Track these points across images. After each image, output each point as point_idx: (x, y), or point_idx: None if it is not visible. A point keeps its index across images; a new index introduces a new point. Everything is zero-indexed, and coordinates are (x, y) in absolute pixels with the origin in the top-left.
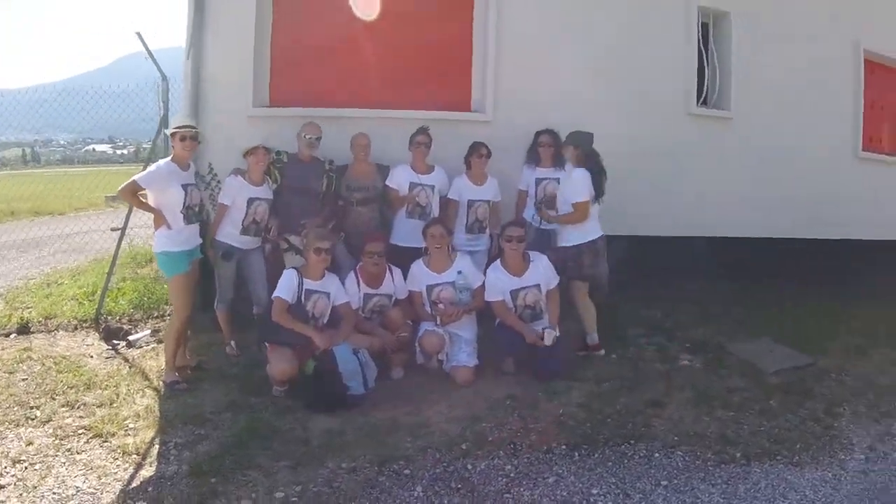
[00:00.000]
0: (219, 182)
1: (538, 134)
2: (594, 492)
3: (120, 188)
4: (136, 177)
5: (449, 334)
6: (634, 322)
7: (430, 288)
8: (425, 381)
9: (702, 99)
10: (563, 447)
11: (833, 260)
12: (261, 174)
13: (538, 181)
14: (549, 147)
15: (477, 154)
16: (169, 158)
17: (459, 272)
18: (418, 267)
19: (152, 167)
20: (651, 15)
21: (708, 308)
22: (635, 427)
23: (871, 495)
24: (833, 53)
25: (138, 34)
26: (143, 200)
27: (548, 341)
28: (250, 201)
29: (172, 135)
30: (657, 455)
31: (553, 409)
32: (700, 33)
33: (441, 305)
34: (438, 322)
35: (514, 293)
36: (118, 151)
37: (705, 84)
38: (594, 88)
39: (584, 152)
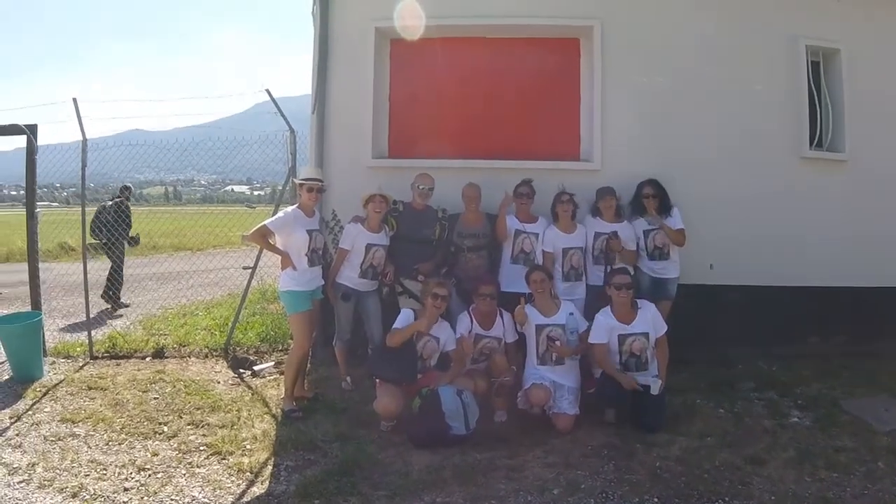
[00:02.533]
0: (341, 228)
1: (642, 185)
2: None
3: (250, 232)
4: (265, 222)
5: (552, 382)
6: (747, 376)
7: (539, 328)
8: (526, 427)
9: (815, 142)
10: (656, 500)
11: None
12: (378, 222)
13: (646, 233)
14: (653, 198)
15: (560, 202)
16: (296, 206)
17: (571, 314)
18: (528, 308)
19: (281, 213)
20: (757, 57)
21: (827, 363)
22: (731, 484)
23: None
24: None
25: (267, 91)
26: (272, 243)
27: (654, 391)
28: (368, 247)
29: (300, 185)
30: None
31: (650, 460)
32: (810, 72)
33: (558, 342)
34: (553, 358)
35: (622, 339)
36: (255, 192)
37: (818, 125)
38: (701, 133)
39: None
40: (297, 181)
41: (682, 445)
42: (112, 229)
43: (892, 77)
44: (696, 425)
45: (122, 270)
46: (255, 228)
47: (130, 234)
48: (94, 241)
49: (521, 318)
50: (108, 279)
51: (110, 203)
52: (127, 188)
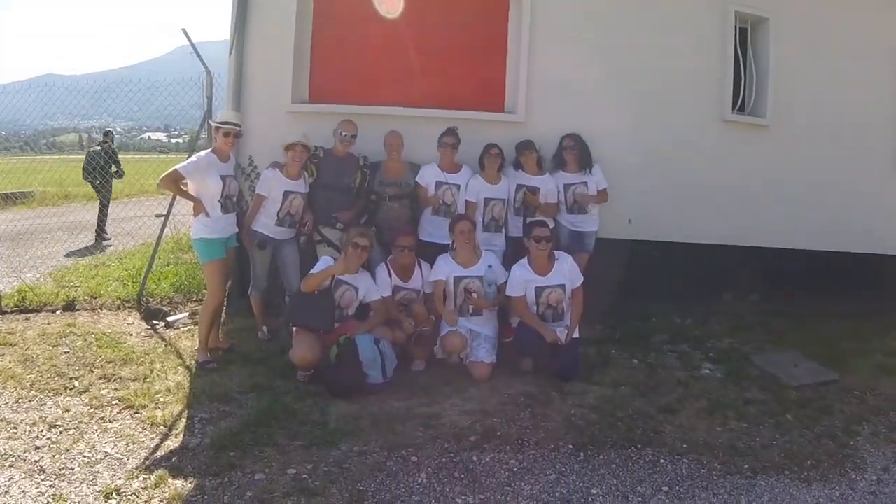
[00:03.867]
0: (258, 174)
1: (563, 138)
2: (594, 492)
3: (162, 176)
4: (177, 166)
5: (469, 331)
6: (662, 329)
7: (457, 280)
8: (444, 375)
9: (738, 106)
10: (570, 447)
11: (877, 275)
12: (298, 169)
13: (566, 187)
14: (573, 151)
15: (488, 154)
16: (210, 150)
17: (490, 266)
18: (445, 260)
19: (193, 158)
20: (686, 20)
21: (740, 319)
22: (644, 432)
23: None
24: (874, 58)
25: (184, 30)
26: (185, 189)
27: (563, 339)
28: (286, 194)
29: (216, 129)
30: (662, 461)
31: (565, 408)
32: (738, 39)
33: (474, 294)
34: (470, 310)
35: (538, 291)
36: (173, 140)
37: (742, 90)
38: (627, 92)
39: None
40: (212, 124)
41: (597, 394)
42: (103, 172)
43: (817, 47)
44: (610, 375)
45: (108, 207)
46: (166, 173)
47: (114, 169)
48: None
49: (453, 347)
50: (100, 215)
51: (98, 148)
52: (108, 133)
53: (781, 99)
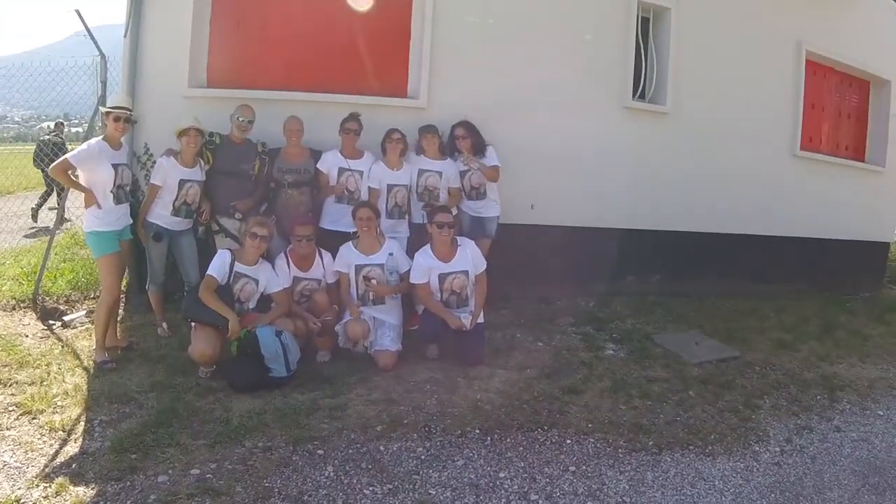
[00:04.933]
0: (154, 162)
1: (453, 128)
2: (501, 475)
3: (51, 166)
4: (67, 155)
5: (373, 319)
6: (566, 312)
7: (358, 268)
8: (349, 366)
9: (638, 93)
10: (477, 431)
11: (770, 256)
12: (193, 156)
13: (462, 174)
14: (465, 139)
15: (389, 139)
16: (101, 137)
17: (391, 254)
18: (347, 249)
19: (84, 146)
20: (589, 8)
21: (642, 301)
22: (550, 413)
23: (783, 487)
24: (775, 52)
25: (77, 11)
26: (75, 179)
27: (467, 325)
28: (181, 183)
29: (106, 114)
30: (569, 441)
31: (471, 394)
32: (639, 27)
33: (374, 281)
34: (371, 298)
35: (442, 278)
36: (73, 129)
37: (643, 78)
38: (529, 78)
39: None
40: (103, 110)
41: (503, 378)
42: (51, 160)
43: (718, 37)
44: (515, 358)
45: (53, 193)
46: (56, 163)
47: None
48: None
49: (355, 335)
50: (42, 197)
51: (46, 137)
52: (59, 124)
53: (682, 87)
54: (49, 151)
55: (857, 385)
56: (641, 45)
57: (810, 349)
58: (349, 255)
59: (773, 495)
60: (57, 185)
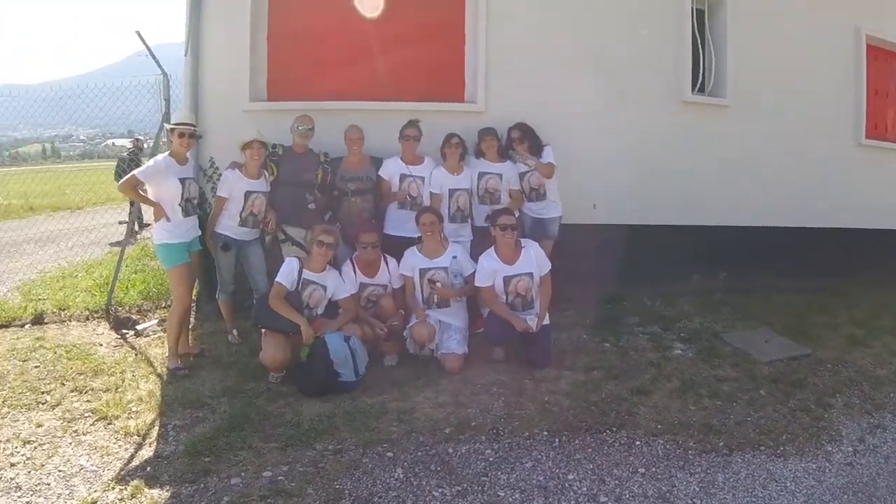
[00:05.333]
0: (219, 175)
1: (509, 130)
2: (570, 477)
3: (120, 182)
4: (135, 171)
5: (439, 323)
6: (632, 312)
7: (423, 272)
8: (416, 369)
9: (698, 87)
10: (545, 433)
11: (842, 249)
12: (257, 168)
13: (521, 175)
14: (521, 141)
15: (448, 144)
16: (167, 153)
17: (454, 257)
18: (411, 253)
19: (151, 162)
20: (643, 3)
21: (709, 299)
22: (618, 415)
23: (856, 488)
24: (834, 39)
25: (137, 33)
26: (143, 194)
27: (533, 327)
28: (247, 194)
29: (171, 130)
30: (638, 443)
31: (539, 396)
32: (695, 20)
33: (438, 284)
34: (436, 300)
35: (507, 280)
36: (131, 148)
37: (701, 71)
38: (586, 77)
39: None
40: (168, 126)
41: (570, 380)
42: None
43: (774, 27)
44: (582, 360)
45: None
46: (124, 179)
47: None
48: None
49: (421, 338)
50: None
51: (125, 154)
52: (137, 140)
53: (741, 78)
54: (126, 168)
55: None
56: (698, 38)
57: (883, 345)
58: (413, 260)
59: (845, 496)
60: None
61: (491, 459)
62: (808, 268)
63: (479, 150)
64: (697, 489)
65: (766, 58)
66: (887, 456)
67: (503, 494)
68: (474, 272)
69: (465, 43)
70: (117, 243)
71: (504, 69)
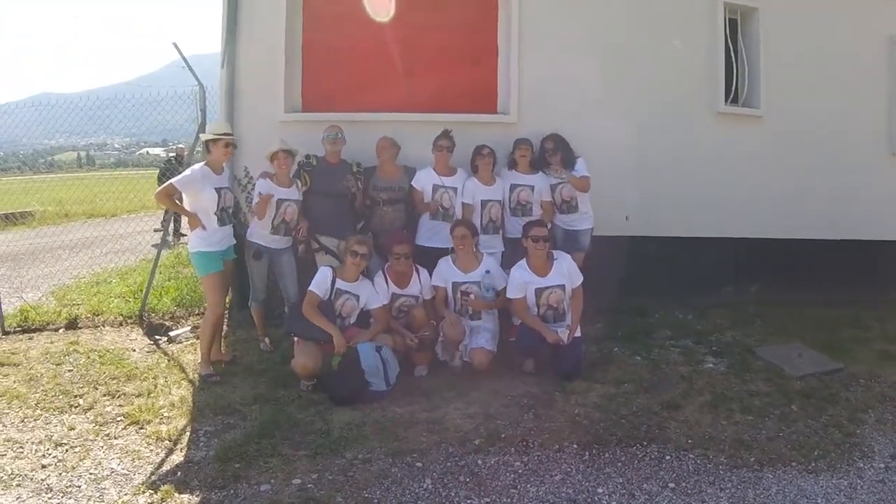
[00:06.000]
0: (254, 185)
1: (542, 141)
2: (600, 491)
3: (156, 192)
4: (172, 180)
5: (470, 328)
6: (664, 325)
7: (455, 285)
8: (446, 380)
9: (731, 97)
10: (575, 446)
11: (873, 262)
12: (286, 176)
13: (553, 187)
14: (554, 153)
15: (480, 155)
16: (203, 163)
17: (487, 271)
18: (446, 264)
19: (187, 171)
20: (674, 14)
21: (741, 312)
22: (649, 429)
23: None
24: (866, 47)
25: (174, 44)
26: (179, 203)
27: (564, 340)
28: (279, 202)
29: (213, 141)
30: (668, 457)
31: (569, 408)
32: (727, 30)
33: (472, 296)
34: (468, 312)
35: (538, 292)
36: (171, 155)
37: (734, 82)
38: (618, 88)
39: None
40: (203, 137)
41: (600, 392)
42: None
43: (807, 37)
44: (613, 373)
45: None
46: (161, 187)
47: None
48: None
49: (451, 336)
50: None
51: (171, 160)
52: (181, 149)
53: (775, 89)
54: (170, 175)
55: None
56: (731, 48)
57: None
58: (447, 272)
59: None
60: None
61: (520, 471)
62: (841, 281)
63: (511, 160)
64: None
65: (798, 67)
66: None
67: None
68: (506, 286)
69: (498, 54)
70: (156, 245)
71: (537, 81)
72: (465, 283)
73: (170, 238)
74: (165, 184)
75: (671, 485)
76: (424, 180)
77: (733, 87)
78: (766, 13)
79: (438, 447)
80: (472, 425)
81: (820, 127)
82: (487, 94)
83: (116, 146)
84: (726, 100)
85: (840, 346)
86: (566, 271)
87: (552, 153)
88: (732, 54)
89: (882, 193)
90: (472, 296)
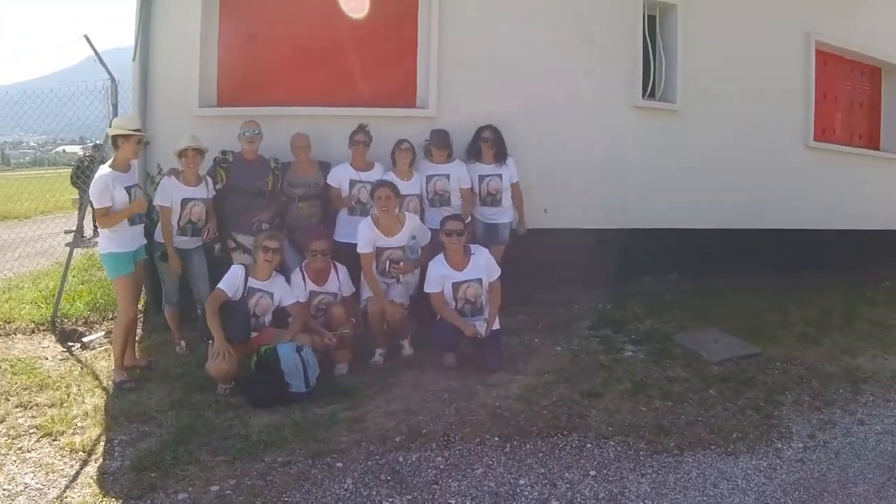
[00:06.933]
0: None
1: (480, 130)
2: (521, 482)
3: (99, 221)
4: (96, 204)
5: (386, 285)
6: (584, 315)
7: (380, 251)
8: (367, 378)
9: (648, 91)
10: (496, 439)
11: (791, 249)
12: (194, 174)
13: (481, 178)
14: (490, 143)
15: (398, 149)
16: (107, 165)
17: (413, 237)
18: (367, 227)
19: (98, 184)
20: (595, 9)
21: (660, 301)
22: (570, 418)
23: (807, 484)
24: (784, 44)
25: (86, 37)
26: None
27: (483, 332)
28: (184, 202)
29: (124, 137)
30: (589, 445)
31: (490, 401)
32: (646, 25)
33: (401, 263)
34: (399, 278)
35: (456, 286)
36: (87, 154)
37: (652, 77)
38: (537, 82)
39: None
40: (111, 132)
41: (521, 384)
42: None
43: (725, 33)
44: (534, 364)
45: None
46: (100, 217)
47: None
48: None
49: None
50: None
51: (83, 158)
52: (97, 146)
53: (692, 83)
54: (85, 172)
55: (880, 377)
56: (649, 44)
57: (832, 342)
58: (370, 235)
59: (796, 493)
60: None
61: (442, 467)
62: (759, 269)
63: (428, 150)
64: (649, 490)
65: (716, 63)
66: (837, 451)
67: (454, 502)
68: (430, 242)
69: (418, 48)
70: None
71: (457, 75)
72: (389, 248)
73: (86, 236)
74: (98, 210)
75: (592, 472)
76: (341, 176)
77: (651, 82)
78: (685, 10)
79: (359, 446)
80: (393, 422)
81: (737, 121)
82: (407, 88)
83: (32, 144)
84: (644, 94)
85: (760, 332)
86: (483, 265)
87: (487, 143)
88: (651, 50)
89: (799, 184)
90: (401, 263)
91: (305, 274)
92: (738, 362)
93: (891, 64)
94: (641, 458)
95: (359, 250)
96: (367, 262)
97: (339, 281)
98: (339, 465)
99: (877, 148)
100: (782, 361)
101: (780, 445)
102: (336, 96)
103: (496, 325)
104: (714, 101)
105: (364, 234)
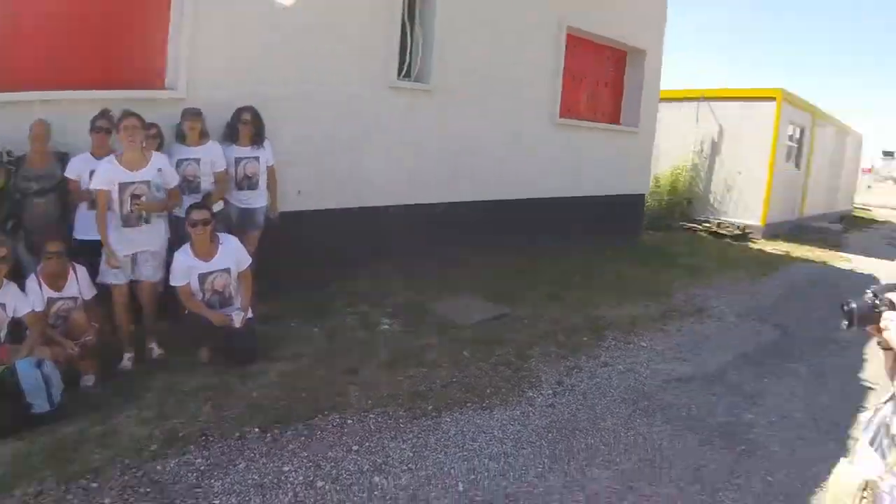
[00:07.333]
0: None
1: (240, 111)
2: (286, 469)
3: None
4: None
5: (134, 256)
6: (341, 295)
7: (123, 186)
8: (116, 386)
9: (405, 72)
10: (257, 430)
11: (539, 218)
12: None
13: (237, 160)
14: (250, 125)
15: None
16: None
17: (159, 169)
18: (110, 164)
19: None
20: None
21: (415, 274)
22: (329, 397)
23: (559, 425)
24: (538, 29)
25: None
26: None
27: (236, 323)
28: None
29: None
30: (350, 422)
31: (247, 392)
32: (406, 8)
33: (143, 198)
34: (143, 216)
35: (202, 278)
36: None
37: (408, 58)
38: (293, 62)
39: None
40: None
41: (278, 370)
42: None
43: (482, 17)
44: (290, 348)
45: None
46: None
47: None
48: None
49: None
50: None
51: None
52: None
53: (449, 65)
54: None
55: (620, 323)
56: (408, 26)
57: (576, 297)
58: (112, 172)
59: (550, 434)
60: None
61: (202, 468)
62: (512, 237)
63: (180, 132)
64: (411, 454)
65: (473, 46)
66: (584, 393)
67: (218, 502)
68: (178, 185)
69: (170, 27)
70: None
71: (207, 54)
72: (133, 182)
73: None
74: None
75: (355, 447)
76: (80, 167)
77: (408, 62)
78: None
79: (113, 462)
80: (148, 430)
81: (490, 100)
82: (156, 69)
83: None
84: (400, 74)
85: (510, 293)
86: (232, 254)
87: (247, 124)
88: (409, 31)
89: (548, 157)
90: (143, 198)
91: (41, 279)
92: (488, 323)
93: (634, 48)
94: (401, 426)
95: (92, 186)
96: (101, 200)
97: (78, 284)
98: (94, 485)
99: (618, 123)
100: (530, 318)
101: (531, 394)
102: (78, 78)
103: (249, 315)
104: (469, 82)
105: (106, 171)
